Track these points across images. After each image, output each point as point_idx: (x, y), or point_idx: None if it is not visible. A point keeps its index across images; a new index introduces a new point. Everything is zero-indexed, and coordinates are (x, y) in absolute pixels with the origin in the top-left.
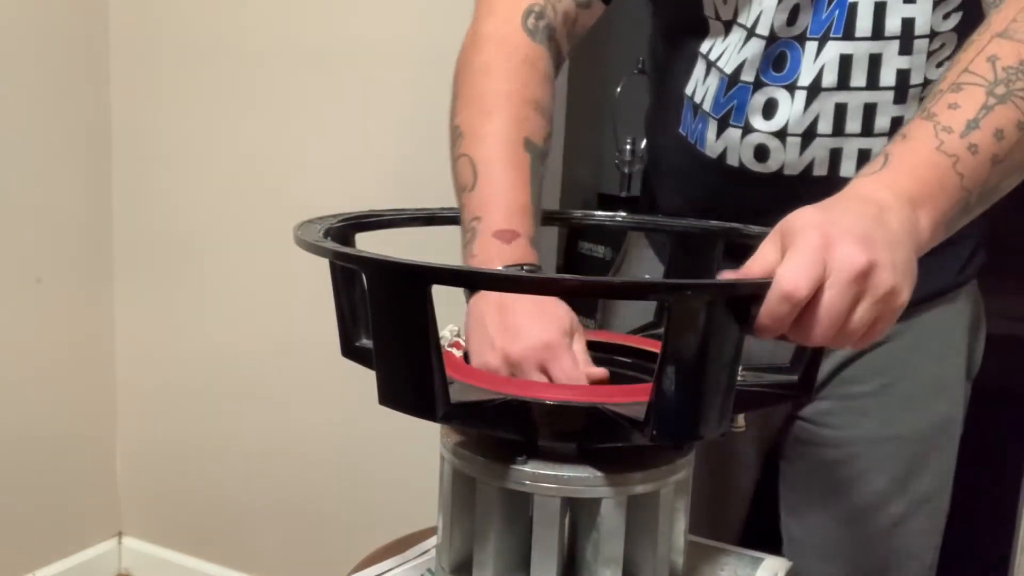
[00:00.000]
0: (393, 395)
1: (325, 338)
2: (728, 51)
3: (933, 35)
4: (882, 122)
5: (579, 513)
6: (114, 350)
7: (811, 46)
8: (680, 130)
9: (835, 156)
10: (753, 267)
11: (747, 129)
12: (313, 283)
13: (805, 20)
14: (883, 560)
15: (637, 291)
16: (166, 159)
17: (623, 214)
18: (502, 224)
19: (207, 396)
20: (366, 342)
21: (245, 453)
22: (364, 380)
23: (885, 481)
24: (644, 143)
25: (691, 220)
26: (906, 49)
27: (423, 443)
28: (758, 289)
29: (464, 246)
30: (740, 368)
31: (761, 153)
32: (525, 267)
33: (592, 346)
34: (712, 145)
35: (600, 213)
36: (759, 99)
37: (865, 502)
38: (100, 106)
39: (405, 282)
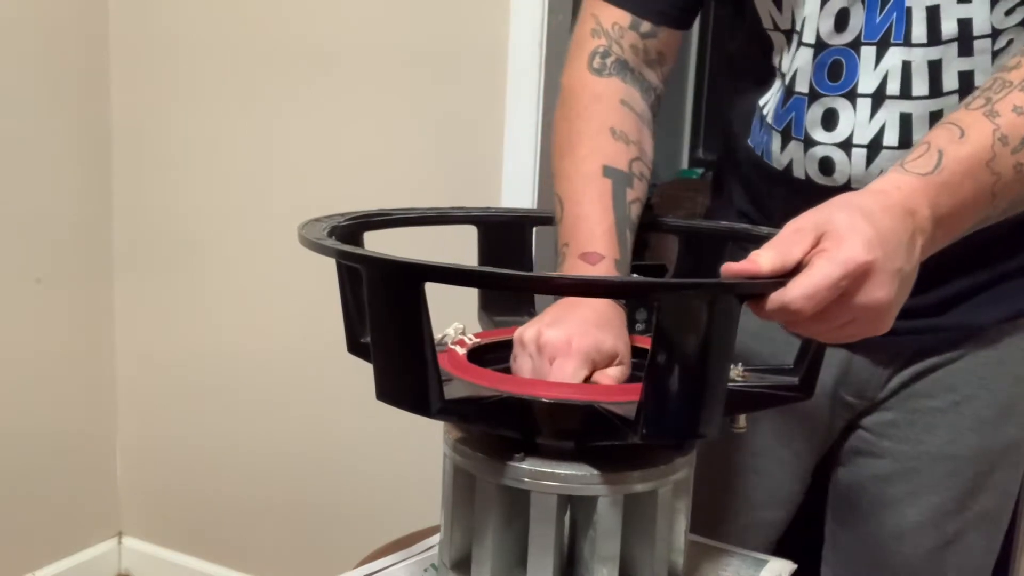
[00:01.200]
0: (389, 391)
1: (325, 337)
2: (786, 61)
3: (996, 33)
4: None
5: (577, 511)
6: (114, 350)
7: (868, 52)
8: (748, 142)
9: None
10: (770, 256)
11: (809, 142)
12: (313, 283)
13: (857, 24)
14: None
15: (634, 291)
16: (166, 159)
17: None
18: (586, 247)
19: (207, 396)
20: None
21: (245, 453)
22: (364, 379)
23: (943, 499)
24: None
25: (699, 221)
26: (966, 51)
27: (423, 442)
28: (750, 289)
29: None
30: (742, 368)
31: (826, 166)
32: None
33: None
34: (778, 158)
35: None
36: (816, 110)
37: (920, 519)
38: (100, 106)
39: (399, 279)
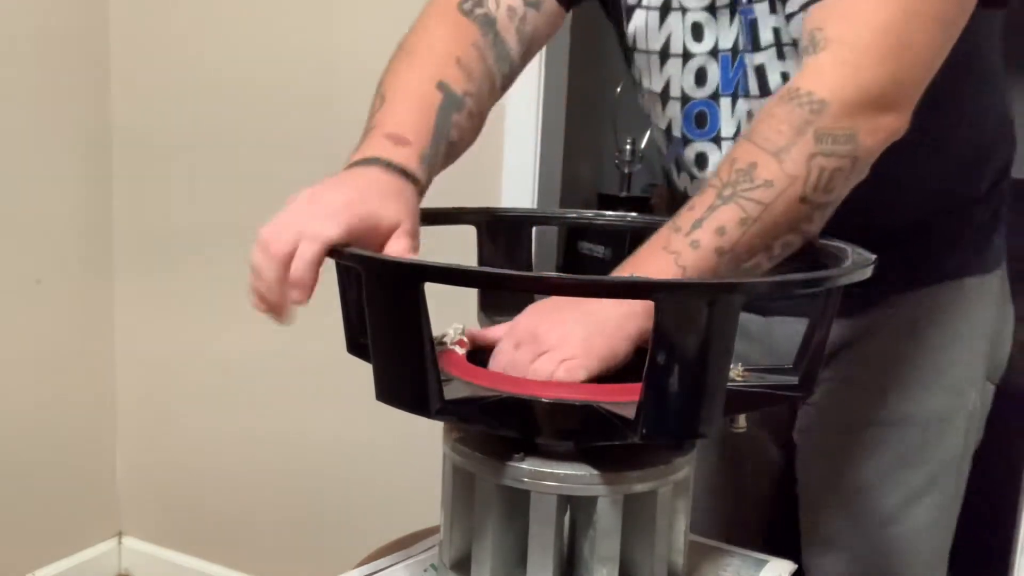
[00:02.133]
0: (389, 391)
1: (325, 338)
2: (662, 115)
3: None
4: None
5: (577, 511)
6: (114, 350)
7: (725, 102)
8: (664, 162)
9: None
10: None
11: (691, 176)
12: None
13: (714, 80)
14: (883, 554)
15: (631, 291)
16: (166, 159)
17: (633, 214)
18: (395, 130)
19: (207, 396)
20: None
21: (245, 453)
22: (364, 380)
23: (875, 469)
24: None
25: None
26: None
27: (423, 443)
28: (752, 289)
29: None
30: (742, 368)
31: None
32: (410, 174)
33: None
34: (676, 181)
35: (610, 213)
36: (691, 153)
37: (860, 490)
38: (100, 106)
39: (398, 279)
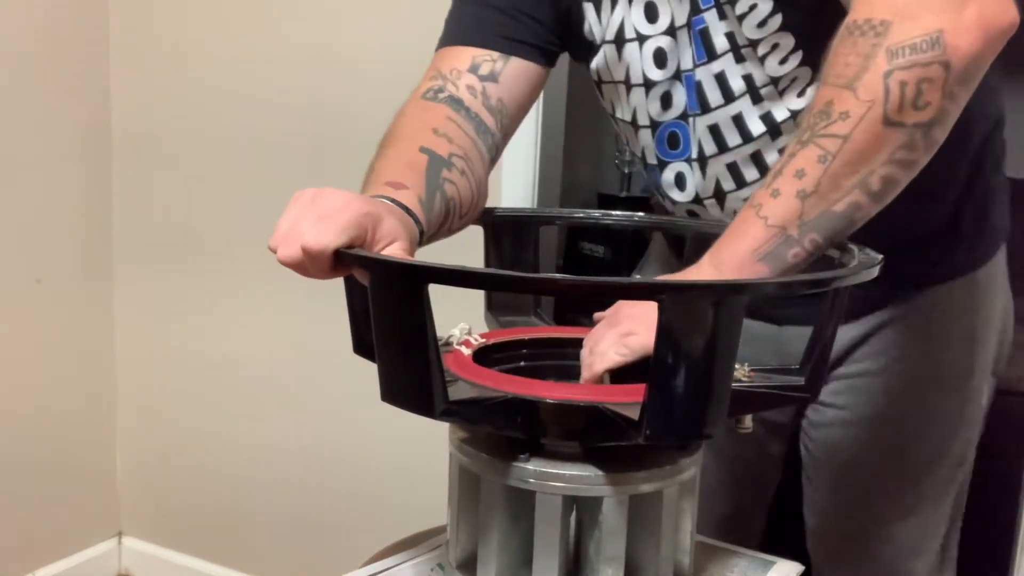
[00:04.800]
0: (394, 392)
1: (326, 338)
2: (632, 140)
3: (776, 80)
4: (772, 159)
5: (582, 511)
6: (114, 350)
7: (696, 121)
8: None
9: None
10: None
11: (672, 200)
12: (314, 283)
13: (680, 103)
14: (879, 555)
15: (639, 292)
16: (166, 159)
17: (640, 214)
18: (393, 178)
19: (207, 396)
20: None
21: (245, 453)
22: (366, 380)
23: (879, 461)
24: None
25: (693, 220)
26: (757, 99)
27: (428, 443)
28: (760, 291)
29: None
30: (748, 368)
31: (694, 214)
32: (410, 211)
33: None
34: (661, 202)
35: (617, 213)
36: (669, 175)
37: (856, 485)
38: (100, 106)
39: (402, 280)
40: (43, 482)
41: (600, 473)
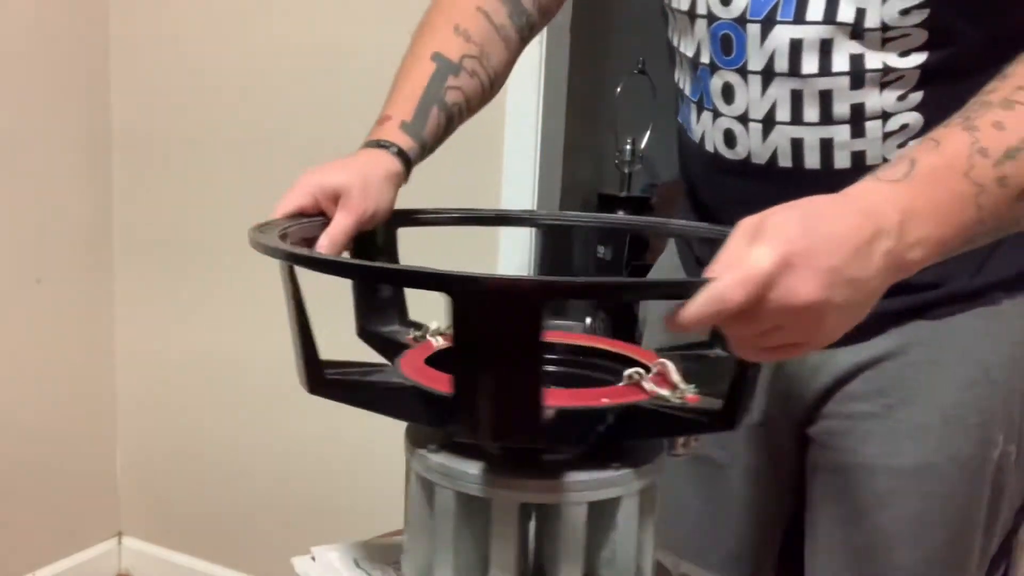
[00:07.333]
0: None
1: (326, 338)
2: (687, 37)
3: (885, 28)
4: (840, 110)
5: (540, 519)
6: (114, 350)
7: (753, 29)
8: (678, 118)
9: (797, 147)
10: (719, 263)
11: (716, 112)
12: (313, 284)
13: (742, 1)
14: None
15: (638, 292)
16: (166, 159)
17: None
18: (383, 111)
19: (207, 396)
20: (379, 328)
21: (245, 453)
22: None
23: (887, 522)
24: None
25: (688, 223)
26: (858, 35)
27: None
28: (686, 290)
29: None
30: (694, 389)
31: (729, 138)
32: (383, 142)
33: (574, 349)
34: (694, 128)
35: (625, 217)
36: (717, 82)
37: (869, 542)
38: (100, 106)
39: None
40: (43, 482)
41: (556, 480)
